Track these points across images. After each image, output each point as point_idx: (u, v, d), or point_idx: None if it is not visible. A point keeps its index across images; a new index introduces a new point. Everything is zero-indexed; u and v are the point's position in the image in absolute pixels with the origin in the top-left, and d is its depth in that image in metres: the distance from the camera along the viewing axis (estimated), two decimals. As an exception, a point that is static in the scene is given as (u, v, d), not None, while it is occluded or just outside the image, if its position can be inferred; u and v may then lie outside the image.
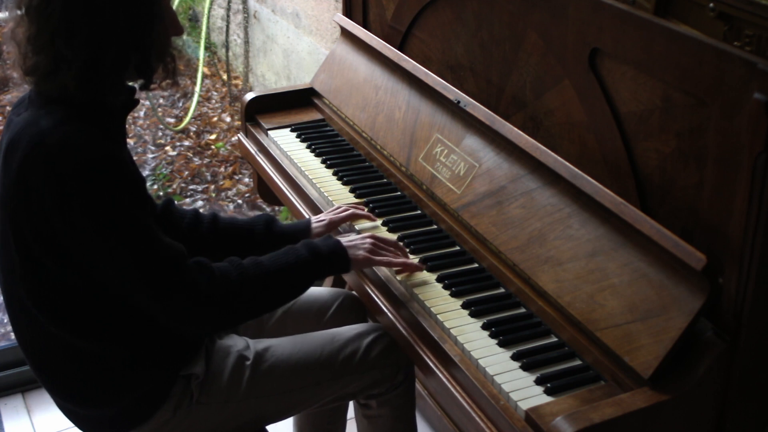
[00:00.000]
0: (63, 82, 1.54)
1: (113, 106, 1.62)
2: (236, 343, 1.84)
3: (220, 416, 1.78)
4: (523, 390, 1.54)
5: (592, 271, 1.63)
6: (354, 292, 2.07)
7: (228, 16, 4.84)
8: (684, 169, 1.58)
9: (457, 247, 1.94)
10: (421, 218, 2.06)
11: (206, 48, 4.93)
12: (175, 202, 1.99)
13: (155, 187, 4.19)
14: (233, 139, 4.60)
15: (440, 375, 1.65)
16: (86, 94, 1.56)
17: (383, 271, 1.87)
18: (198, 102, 4.73)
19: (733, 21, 1.47)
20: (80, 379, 1.70)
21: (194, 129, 4.73)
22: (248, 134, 2.55)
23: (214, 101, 5.08)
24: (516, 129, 1.88)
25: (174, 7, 4.67)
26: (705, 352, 1.48)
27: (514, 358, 1.61)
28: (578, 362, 1.60)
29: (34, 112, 1.58)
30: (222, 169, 4.38)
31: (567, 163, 1.74)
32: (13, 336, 2.16)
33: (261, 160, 2.43)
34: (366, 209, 2.06)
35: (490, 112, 1.96)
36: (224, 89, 5.07)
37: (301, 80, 3.90)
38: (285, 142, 2.41)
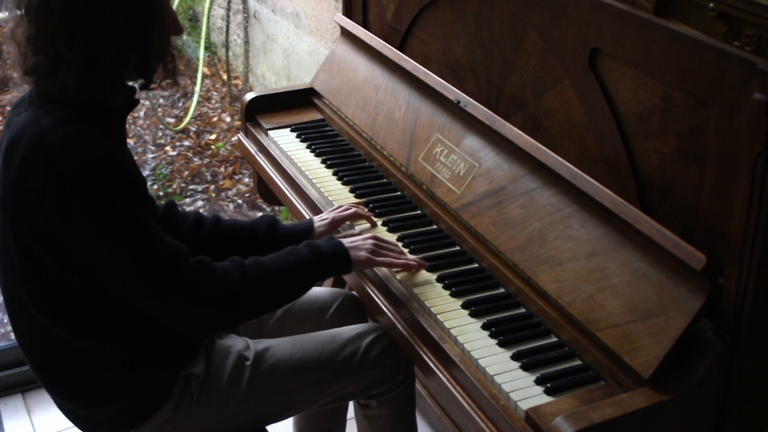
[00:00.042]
0: (63, 82, 1.54)
1: (113, 106, 1.62)
2: (236, 343, 1.84)
3: (220, 416, 1.78)
4: (523, 390, 1.54)
5: (592, 271, 1.63)
6: (354, 292, 2.07)
7: (228, 16, 4.84)
8: (684, 169, 1.58)
9: (457, 247, 1.94)
10: (421, 218, 2.06)
11: (206, 48, 4.94)
12: (177, 204, 1.99)
13: (155, 187, 4.19)
14: (233, 139, 4.60)
15: (440, 375, 1.65)
16: (86, 94, 1.56)
17: (383, 271, 1.87)
18: (198, 102, 4.73)
19: (733, 21, 1.47)
20: (80, 379, 1.70)
21: (194, 129, 4.73)
22: (248, 134, 2.55)
23: (214, 101, 5.08)
24: (516, 129, 1.88)
25: (174, 7, 4.67)
26: (705, 352, 1.48)
27: (514, 358, 1.61)
28: (578, 362, 1.60)
29: (34, 112, 1.58)
30: (222, 169, 4.38)
31: (567, 163, 1.74)
32: (13, 336, 2.16)
33: (261, 160, 2.43)
34: (366, 211, 2.06)
35: (490, 112, 1.96)
36: (224, 89, 5.07)
37: (301, 80, 3.90)
38: (285, 142, 2.41)
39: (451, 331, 1.68)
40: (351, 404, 2.11)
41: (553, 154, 1.78)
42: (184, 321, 1.65)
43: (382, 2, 2.48)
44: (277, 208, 3.94)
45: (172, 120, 4.87)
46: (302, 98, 2.61)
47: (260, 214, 4.04)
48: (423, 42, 2.34)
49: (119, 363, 1.68)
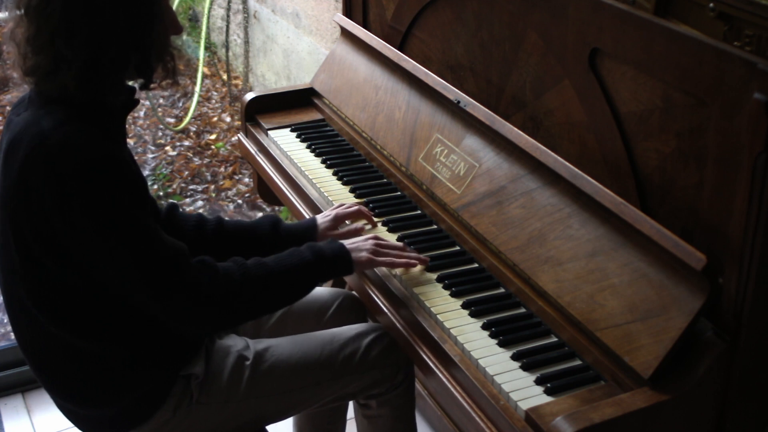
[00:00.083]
0: (63, 82, 1.54)
1: (113, 106, 1.62)
2: (236, 343, 1.84)
3: (220, 416, 1.78)
4: (523, 390, 1.54)
5: (592, 271, 1.63)
6: (354, 292, 2.07)
7: (228, 16, 4.84)
8: (684, 169, 1.58)
9: (457, 247, 1.94)
10: (421, 218, 2.06)
11: (206, 48, 4.93)
12: (179, 206, 1.99)
13: (155, 187, 4.19)
14: (233, 139, 4.60)
15: (440, 375, 1.65)
16: (86, 94, 1.56)
17: (383, 271, 1.87)
18: (198, 102, 4.73)
19: (733, 21, 1.47)
20: (80, 379, 1.70)
21: (194, 129, 4.73)
22: (248, 134, 2.55)
23: (214, 101, 5.08)
24: (516, 129, 1.88)
25: (174, 7, 4.67)
26: (705, 352, 1.48)
27: (514, 358, 1.61)
28: (578, 362, 1.60)
29: (34, 112, 1.58)
30: (222, 169, 4.38)
31: (567, 163, 1.74)
32: (13, 336, 2.16)
33: (261, 160, 2.43)
34: (368, 211, 2.06)
35: (490, 112, 1.96)
36: (224, 89, 5.07)
37: (301, 80, 3.90)
38: (285, 142, 2.41)
39: (451, 331, 1.68)
40: (351, 404, 2.11)
41: (553, 154, 1.78)
42: (184, 321, 1.65)
43: (382, 2, 2.48)
44: (277, 208, 3.94)
45: (172, 120, 4.87)
46: (302, 98, 2.61)
47: (260, 214, 4.04)
48: (423, 42, 2.34)
49: (119, 363, 1.68)
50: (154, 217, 1.84)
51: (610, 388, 1.52)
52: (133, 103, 1.69)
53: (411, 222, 2.05)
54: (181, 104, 5.02)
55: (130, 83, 1.67)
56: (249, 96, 2.56)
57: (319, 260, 1.73)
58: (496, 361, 1.60)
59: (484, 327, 1.69)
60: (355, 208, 2.01)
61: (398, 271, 1.84)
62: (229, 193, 4.21)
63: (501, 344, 1.64)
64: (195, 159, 4.48)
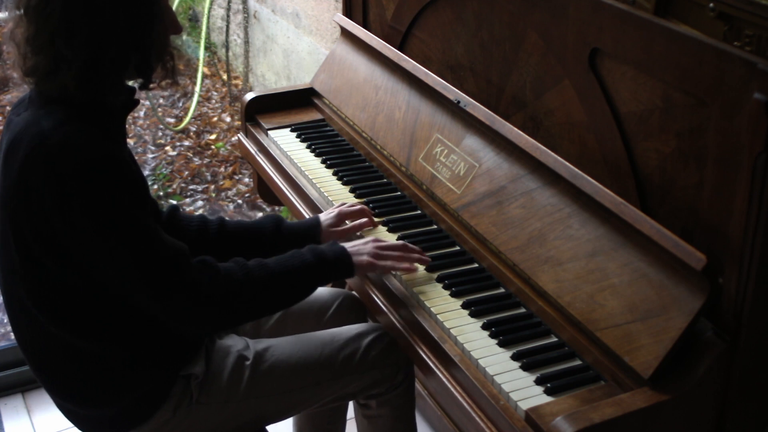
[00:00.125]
0: (63, 82, 1.54)
1: (113, 106, 1.62)
2: (236, 343, 1.84)
3: (220, 416, 1.78)
4: (523, 390, 1.54)
5: (592, 271, 1.63)
6: (354, 292, 2.07)
7: (228, 16, 4.84)
8: (684, 169, 1.58)
9: (457, 247, 1.94)
10: (421, 218, 2.06)
11: (206, 48, 4.94)
12: (180, 207, 1.98)
13: (155, 187, 4.19)
14: (233, 139, 4.60)
15: (440, 375, 1.65)
16: (86, 94, 1.56)
17: (383, 271, 1.87)
18: (198, 102, 4.73)
19: (733, 21, 1.47)
20: (80, 379, 1.70)
21: (194, 129, 4.73)
22: (248, 134, 2.55)
23: (214, 101, 5.08)
24: (516, 129, 1.88)
25: (174, 7, 4.66)
26: (705, 352, 1.48)
27: (514, 358, 1.61)
28: (578, 362, 1.60)
29: (34, 112, 1.58)
30: (222, 169, 4.38)
31: (567, 163, 1.74)
32: (13, 336, 2.16)
33: (261, 160, 2.43)
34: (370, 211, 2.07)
35: (490, 112, 1.96)
36: (224, 89, 5.07)
37: (301, 80, 3.91)
38: (285, 142, 2.41)
39: (451, 331, 1.68)
40: (351, 404, 2.11)
41: (553, 154, 1.78)
42: (184, 321, 1.65)
43: (382, 2, 2.48)
44: (277, 208, 3.94)
45: (172, 120, 4.87)
46: (302, 98, 2.61)
47: (260, 214, 4.04)
48: (423, 42, 2.34)
49: (119, 363, 1.68)
50: (154, 217, 1.84)
51: (610, 388, 1.52)
52: (133, 103, 1.69)
53: (411, 222, 2.05)
54: (181, 104, 5.02)
55: (130, 83, 1.67)
56: (249, 96, 2.56)
57: (320, 262, 1.73)
58: (496, 361, 1.60)
59: (484, 327, 1.69)
60: (358, 207, 2.01)
61: (400, 273, 1.84)
62: (229, 193, 4.21)
63: (501, 344, 1.64)
64: (195, 159, 4.48)
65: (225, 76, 5.02)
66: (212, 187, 4.24)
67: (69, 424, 1.82)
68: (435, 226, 2.02)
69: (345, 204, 2.02)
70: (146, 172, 4.28)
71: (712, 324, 1.50)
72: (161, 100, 5.04)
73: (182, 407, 1.74)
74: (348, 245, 1.80)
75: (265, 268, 1.68)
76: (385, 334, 1.90)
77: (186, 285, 1.60)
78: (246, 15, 4.70)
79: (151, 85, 1.66)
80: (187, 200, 4.13)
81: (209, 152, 4.53)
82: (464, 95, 2.04)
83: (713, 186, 1.50)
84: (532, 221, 1.78)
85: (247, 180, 4.27)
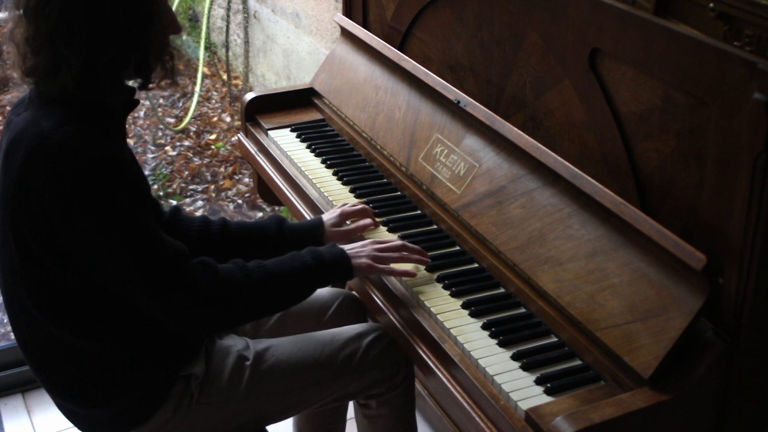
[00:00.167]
0: (62, 82, 1.54)
1: (113, 106, 1.62)
2: (236, 343, 1.84)
3: (220, 416, 1.78)
4: (523, 390, 1.54)
5: (592, 271, 1.63)
6: (354, 292, 2.07)
7: (228, 16, 4.84)
8: (684, 169, 1.58)
9: (457, 247, 1.94)
10: (421, 218, 2.06)
11: (206, 48, 4.93)
12: (183, 209, 1.98)
13: (155, 187, 4.19)
14: (233, 139, 4.61)
15: (440, 375, 1.65)
16: (86, 94, 1.56)
17: (383, 271, 1.86)
18: (198, 102, 4.73)
19: (733, 21, 1.47)
20: (80, 379, 1.70)
21: (194, 129, 4.73)
22: (248, 134, 2.55)
23: (214, 101, 5.08)
24: (516, 129, 1.88)
25: (174, 7, 4.65)
26: (705, 352, 1.48)
27: (514, 358, 1.61)
28: (578, 362, 1.60)
29: (33, 112, 1.58)
30: (222, 169, 4.38)
31: (567, 163, 1.74)
32: (13, 336, 2.16)
33: (261, 160, 2.43)
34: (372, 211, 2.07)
35: (490, 112, 1.96)
36: (224, 89, 5.07)
37: (301, 80, 3.91)
38: (285, 142, 2.41)
39: (451, 331, 1.68)
40: (351, 404, 2.11)
41: (553, 154, 1.78)
42: (185, 321, 1.65)
43: (382, 2, 2.48)
44: (277, 208, 3.94)
45: (172, 120, 4.87)
46: (302, 98, 2.61)
47: (260, 214, 4.04)
48: (423, 42, 2.34)
49: (119, 363, 1.68)
50: (157, 218, 1.84)
51: (610, 388, 1.52)
52: (133, 103, 1.69)
53: (411, 222, 2.05)
54: (181, 104, 5.02)
55: (130, 83, 1.67)
56: (249, 96, 2.56)
57: (319, 264, 1.73)
58: (496, 361, 1.60)
59: (484, 327, 1.69)
60: (360, 206, 2.01)
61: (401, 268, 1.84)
62: (229, 193, 4.21)
63: (501, 344, 1.64)
64: (195, 159, 4.48)
65: (225, 76, 5.02)
66: (212, 187, 4.24)
67: (69, 424, 1.82)
68: (435, 226, 2.02)
69: (347, 204, 2.02)
70: (146, 172, 4.27)
71: (712, 324, 1.50)
72: (161, 100, 5.04)
73: (182, 407, 1.74)
74: (347, 247, 1.80)
75: (264, 269, 1.68)
76: (385, 334, 1.90)
77: (186, 285, 1.60)
78: (246, 15, 4.70)
79: (151, 85, 1.66)
80: (187, 200, 4.13)
81: (209, 152, 4.53)
82: (464, 95, 2.04)
83: (713, 186, 1.50)
84: (532, 221, 1.78)
85: (247, 180, 4.27)
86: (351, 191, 2.18)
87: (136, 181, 1.59)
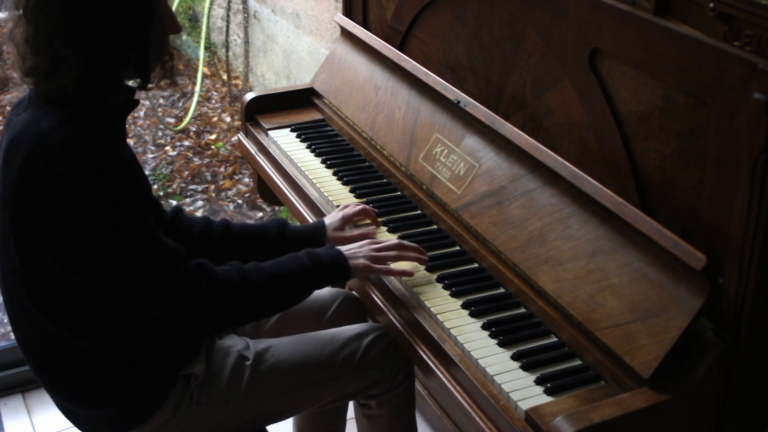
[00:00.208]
0: (62, 82, 1.54)
1: (113, 106, 1.62)
2: (236, 343, 1.84)
3: (220, 416, 1.78)
4: (523, 390, 1.54)
5: (592, 271, 1.63)
6: (354, 292, 2.07)
7: (228, 16, 4.84)
8: (684, 169, 1.58)
9: (457, 247, 1.94)
10: (421, 218, 2.06)
11: (206, 48, 4.93)
12: (185, 209, 1.98)
13: (155, 187, 4.19)
14: (233, 139, 4.61)
15: (440, 375, 1.65)
16: (86, 95, 1.56)
17: (383, 271, 1.86)
18: (198, 102, 4.73)
19: (733, 21, 1.47)
20: (80, 379, 1.70)
21: (194, 129, 4.73)
22: (248, 134, 2.55)
23: (214, 101, 5.08)
24: (516, 129, 1.88)
25: (174, 7, 4.65)
26: (705, 352, 1.48)
27: (514, 358, 1.61)
28: (578, 362, 1.60)
29: (33, 112, 1.58)
30: (222, 169, 4.38)
31: (567, 163, 1.74)
32: (13, 336, 2.16)
33: (261, 160, 2.43)
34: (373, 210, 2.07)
35: (490, 112, 1.96)
36: (224, 89, 5.07)
37: (301, 80, 3.90)
38: (285, 142, 2.41)
39: (451, 331, 1.68)
40: (351, 404, 2.11)
41: (553, 154, 1.78)
42: (184, 321, 1.65)
43: (382, 2, 2.48)
44: (277, 208, 3.94)
45: (172, 120, 4.87)
46: (302, 98, 2.61)
47: (260, 214, 4.04)
48: (423, 42, 2.34)
49: (119, 363, 1.68)
50: (158, 218, 1.85)
51: (610, 388, 1.52)
52: (133, 103, 1.69)
53: (411, 222, 2.05)
54: (181, 104, 5.02)
55: (130, 83, 1.67)
56: (249, 96, 2.56)
57: (316, 266, 1.73)
58: (496, 361, 1.60)
59: (484, 327, 1.69)
60: (360, 207, 2.01)
61: (399, 267, 1.84)
62: (229, 193, 4.21)
63: (501, 344, 1.64)
64: (195, 159, 4.48)
65: (225, 76, 5.02)
66: (212, 187, 4.24)
67: (69, 424, 1.82)
68: (435, 226, 2.02)
69: (347, 206, 2.02)
70: (146, 172, 4.28)
71: (712, 324, 1.50)
72: (161, 100, 5.04)
73: (182, 407, 1.74)
74: (344, 248, 1.80)
75: (261, 271, 1.69)
76: (385, 334, 1.90)
77: (186, 285, 1.60)
78: (246, 15, 4.70)
79: (150, 85, 1.66)
80: (187, 200, 4.13)
81: (209, 152, 4.53)
82: (464, 95, 2.04)
83: (713, 186, 1.50)
84: (532, 221, 1.78)
85: (247, 180, 4.27)
86: (351, 191, 2.18)
87: (136, 181, 1.59)
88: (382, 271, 1.79)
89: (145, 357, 1.69)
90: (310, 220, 2.14)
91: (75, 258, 1.57)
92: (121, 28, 1.53)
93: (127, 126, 1.75)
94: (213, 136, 4.68)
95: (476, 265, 1.88)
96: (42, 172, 1.51)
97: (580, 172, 1.70)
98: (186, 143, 4.62)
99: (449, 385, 1.63)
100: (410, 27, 2.37)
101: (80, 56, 1.52)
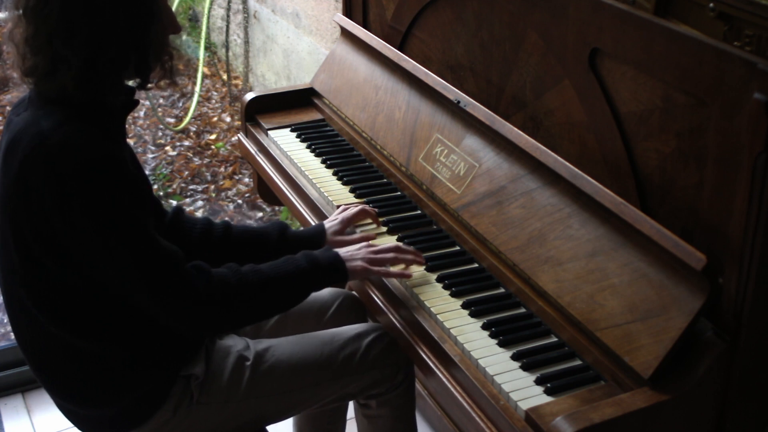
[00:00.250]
0: (62, 82, 1.54)
1: (113, 106, 1.62)
2: (236, 343, 1.84)
3: (220, 416, 1.78)
4: (523, 390, 1.54)
5: (592, 271, 1.63)
6: (354, 292, 2.07)
7: (228, 16, 4.84)
8: (684, 169, 1.58)
9: (457, 247, 1.94)
10: (421, 218, 2.06)
11: (206, 48, 4.93)
12: (185, 210, 1.98)
13: (155, 187, 4.19)
14: (233, 139, 4.61)
15: (440, 375, 1.65)
16: (86, 94, 1.56)
17: (383, 271, 1.86)
18: (198, 102, 4.73)
19: (733, 21, 1.47)
20: (80, 379, 1.70)
21: (194, 129, 4.73)
22: (248, 134, 2.55)
23: (214, 101, 5.08)
24: (516, 129, 1.88)
25: (174, 7, 4.65)
26: (705, 352, 1.48)
27: (514, 358, 1.61)
28: (578, 362, 1.60)
29: (33, 112, 1.58)
30: (222, 169, 4.38)
31: (567, 163, 1.74)
32: (13, 336, 2.16)
33: (261, 160, 2.43)
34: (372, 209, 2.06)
35: (490, 112, 1.96)
36: (224, 89, 5.07)
37: (301, 80, 3.91)
38: (285, 142, 2.41)
39: (451, 331, 1.68)
40: (351, 404, 2.11)
41: (553, 154, 1.78)
42: (184, 321, 1.65)
43: (382, 2, 2.48)
44: (277, 208, 3.94)
45: (172, 120, 4.87)
46: (302, 98, 2.61)
47: (260, 214, 4.04)
48: (423, 42, 2.34)
49: (119, 363, 1.68)
50: (159, 218, 1.85)
51: (610, 388, 1.52)
52: (132, 103, 1.69)
53: (411, 222, 2.04)
54: (181, 104, 5.02)
55: (129, 83, 1.67)
56: (249, 96, 2.56)
57: (314, 268, 1.73)
58: (496, 361, 1.60)
59: (484, 327, 1.69)
60: (359, 208, 2.01)
61: (397, 270, 1.84)
62: (229, 193, 4.21)
63: (501, 344, 1.64)
64: (195, 159, 4.48)
65: (225, 76, 5.02)
66: (212, 187, 4.24)
67: (69, 424, 1.82)
68: (435, 227, 2.02)
69: (346, 209, 2.02)
70: (146, 172, 4.27)
71: (712, 324, 1.50)
72: (161, 100, 5.04)
73: (182, 407, 1.74)
74: (342, 251, 1.80)
75: (259, 273, 1.69)
76: (385, 334, 1.90)
77: (185, 285, 1.60)
78: (246, 15, 4.70)
79: (149, 85, 1.66)
80: (187, 200, 4.13)
81: (209, 152, 4.53)
82: (464, 95, 2.04)
83: (713, 186, 1.50)
84: (532, 221, 1.78)
85: (247, 180, 4.27)
86: (351, 191, 2.18)
87: (136, 181, 1.59)
88: (379, 274, 1.80)
89: (145, 357, 1.69)
90: (310, 220, 2.14)
91: (75, 258, 1.57)
92: (121, 28, 1.53)
93: (127, 126, 1.75)
94: (213, 136, 4.68)
95: (476, 265, 1.88)
96: (42, 172, 1.51)
97: (580, 172, 1.70)
98: (186, 143, 4.62)
99: (449, 385, 1.63)
100: (410, 27, 2.37)
101: (80, 56, 1.52)
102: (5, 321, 3.11)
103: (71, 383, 1.71)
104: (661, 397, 1.44)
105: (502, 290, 1.81)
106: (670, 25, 1.53)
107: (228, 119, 4.84)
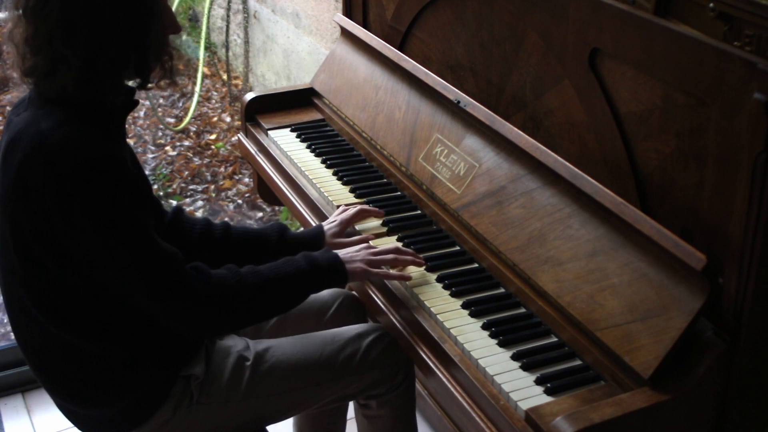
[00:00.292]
0: (62, 82, 1.54)
1: (113, 106, 1.62)
2: (236, 343, 1.84)
3: (220, 416, 1.78)
4: (523, 390, 1.54)
5: (592, 271, 1.63)
6: (354, 292, 2.07)
7: (228, 16, 4.84)
8: (684, 169, 1.58)
9: (457, 247, 1.94)
10: (421, 218, 2.06)
11: (206, 48, 4.94)
12: (185, 210, 1.98)
13: (155, 187, 4.19)
14: (233, 139, 4.61)
15: (440, 375, 1.65)
16: (86, 94, 1.56)
17: (383, 271, 1.86)
18: (198, 102, 4.73)
19: (733, 21, 1.47)
20: (80, 379, 1.70)
21: (194, 129, 4.73)
22: (248, 134, 2.55)
23: (214, 101, 5.08)
24: (516, 129, 1.88)
25: (174, 7, 4.65)
26: (705, 352, 1.48)
27: (514, 358, 1.61)
28: (578, 362, 1.60)
29: (33, 112, 1.58)
30: (222, 169, 4.38)
31: (567, 163, 1.74)
32: (13, 336, 2.16)
33: (261, 160, 2.43)
34: (371, 206, 2.06)
35: (490, 112, 1.96)
36: (224, 89, 5.07)
37: (301, 80, 3.91)
38: (285, 142, 2.41)
39: (451, 331, 1.68)
40: (351, 404, 2.11)
41: (553, 154, 1.78)
42: (184, 321, 1.65)
43: (382, 2, 2.48)
44: (277, 208, 3.94)
45: (172, 120, 4.87)
46: (302, 98, 2.61)
47: (260, 214, 4.04)
48: (423, 42, 2.34)
49: (119, 363, 1.68)
50: (159, 218, 1.85)
51: (610, 388, 1.52)
52: (132, 103, 1.69)
53: (411, 222, 2.04)
54: (181, 104, 5.02)
55: (129, 83, 1.67)
56: (249, 96, 2.56)
57: (313, 269, 1.73)
58: (496, 361, 1.60)
59: (484, 327, 1.69)
60: (357, 209, 2.01)
61: (396, 272, 1.84)
62: (229, 193, 4.21)
63: (501, 344, 1.64)
64: (195, 159, 4.48)
65: (225, 76, 5.02)
66: (212, 187, 4.24)
67: (69, 424, 1.82)
68: (435, 227, 2.02)
69: (345, 209, 2.02)
70: (146, 172, 4.27)
71: (712, 324, 1.50)
72: (161, 100, 5.04)
73: (182, 407, 1.74)
74: (341, 252, 1.80)
75: (258, 274, 1.69)
76: (386, 334, 1.90)
77: (185, 285, 1.60)
78: (246, 15, 4.70)
79: (149, 85, 1.66)
80: (187, 200, 4.13)
81: (209, 152, 4.53)
82: (464, 95, 2.04)
83: (713, 186, 1.50)
84: (532, 221, 1.78)
85: (247, 180, 4.27)
86: (351, 191, 2.18)
87: (135, 181, 1.59)
88: (379, 275, 1.80)
89: (145, 357, 1.69)
90: (311, 220, 2.14)
91: (75, 258, 1.57)
92: (121, 28, 1.53)
93: (127, 126, 1.75)
94: (213, 136, 4.68)
95: (476, 265, 1.88)
96: (42, 172, 1.51)
97: (580, 172, 1.70)
98: (186, 143, 4.62)
99: (449, 385, 1.63)
100: (410, 27, 2.37)
101: (80, 56, 1.52)
102: (5, 321, 3.11)
103: (71, 383, 1.71)
104: (661, 397, 1.44)
105: (502, 290, 1.81)
106: (670, 25, 1.53)
107: (228, 119, 4.84)
